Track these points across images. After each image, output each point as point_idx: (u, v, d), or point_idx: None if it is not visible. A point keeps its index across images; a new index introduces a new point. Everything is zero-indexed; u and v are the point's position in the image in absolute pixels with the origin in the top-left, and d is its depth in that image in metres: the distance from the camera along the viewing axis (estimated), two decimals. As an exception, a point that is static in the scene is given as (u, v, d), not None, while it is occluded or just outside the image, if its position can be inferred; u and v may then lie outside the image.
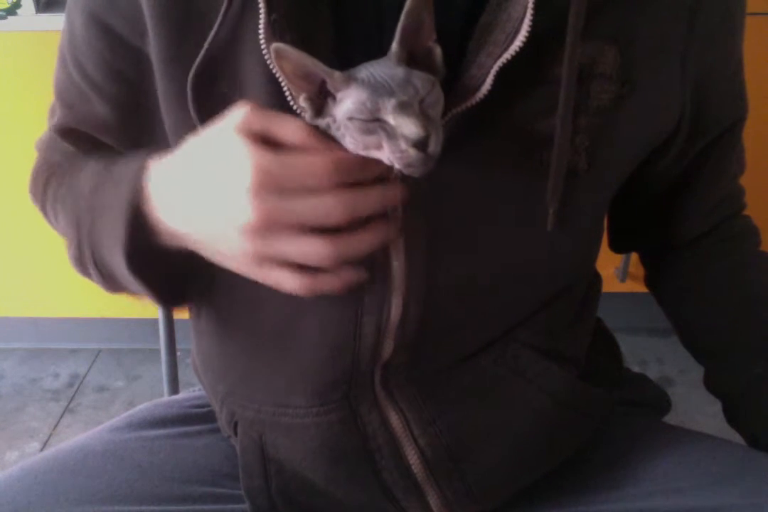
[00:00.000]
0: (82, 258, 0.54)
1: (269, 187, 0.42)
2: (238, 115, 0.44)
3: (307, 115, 0.45)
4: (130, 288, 0.55)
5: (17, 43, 1.37)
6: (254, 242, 0.44)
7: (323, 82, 0.44)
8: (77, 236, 0.54)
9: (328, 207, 0.43)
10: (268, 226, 0.43)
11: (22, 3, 1.35)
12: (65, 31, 0.57)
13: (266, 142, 0.43)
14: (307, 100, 0.44)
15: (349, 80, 0.43)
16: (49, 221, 0.63)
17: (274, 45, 0.41)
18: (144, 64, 0.53)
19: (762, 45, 1.35)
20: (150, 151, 0.50)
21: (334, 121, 0.44)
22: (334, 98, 0.44)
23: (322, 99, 0.44)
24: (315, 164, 0.43)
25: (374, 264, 0.51)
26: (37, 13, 1.35)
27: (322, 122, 0.45)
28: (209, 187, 0.45)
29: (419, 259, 0.52)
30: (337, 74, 0.43)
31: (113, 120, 0.57)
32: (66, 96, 0.59)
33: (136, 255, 0.50)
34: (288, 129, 0.43)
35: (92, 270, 0.55)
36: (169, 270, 0.54)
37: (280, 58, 0.42)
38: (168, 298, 0.58)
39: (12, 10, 1.36)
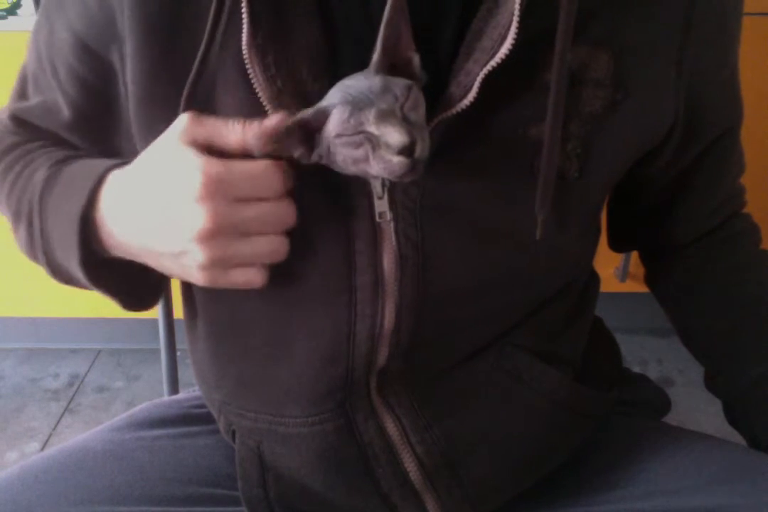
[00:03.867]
0: (32, 248, 0.55)
1: (218, 192, 0.43)
2: (179, 124, 0.45)
3: (302, 156, 0.45)
4: (83, 286, 0.55)
5: (17, 43, 1.36)
6: (208, 247, 0.44)
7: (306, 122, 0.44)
8: (28, 229, 0.54)
9: (281, 214, 0.46)
10: (220, 230, 0.44)
11: (22, 3, 1.35)
12: (43, 29, 0.56)
13: (211, 150, 0.44)
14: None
15: (327, 106, 0.43)
16: None
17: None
18: (114, 79, 0.53)
19: (762, 45, 1.35)
20: (110, 161, 0.51)
21: (323, 146, 0.44)
22: (319, 131, 0.44)
23: (308, 136, 0.44)
24: (261, 171, 0.44)
25: (365, 273, 0.52)
26: (37, 13, 1.35)
27: (315, 156, 0.45)
28: (159, 197, 0.45)
29: (411, 266, 0.52)
30: (310, 112, 0.43)
31: (74, 124, 0.57)
32: (41, 89, 0.59)
33: (91, 263, 0.50)
34: (227, 135, 0.44)
35: (42, 262, 0.55)
36: (128, 278, 0.54)
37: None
38: (131, 301, 0.57)
39: (12, 10, 1.36)
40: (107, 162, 0.51)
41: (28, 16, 1.36)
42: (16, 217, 0.56)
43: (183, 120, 0.45)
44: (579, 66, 0.49)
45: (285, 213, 0.46)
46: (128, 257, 0.50)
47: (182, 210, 0.44)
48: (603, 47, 0.49)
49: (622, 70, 0.50)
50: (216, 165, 0.43)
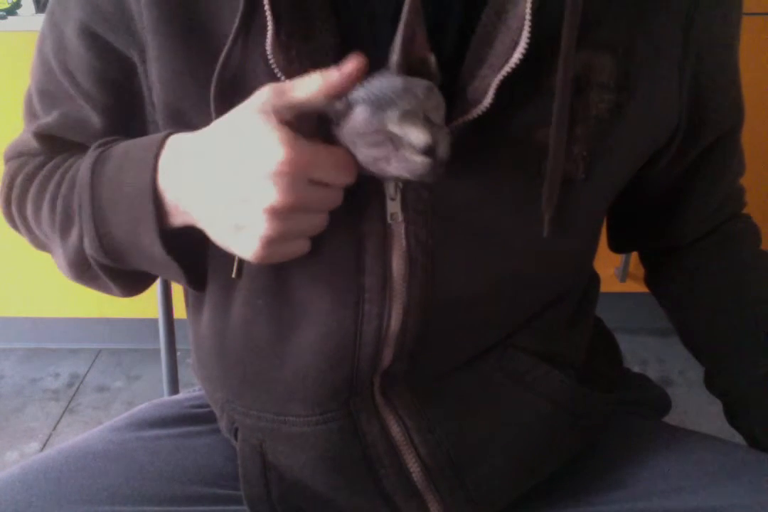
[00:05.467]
0: (82, 254, 0.53)
1: (300, 171, 0.42)
2: (261, 95, 0.44)
3: None
4: (143, 275, 0.55)
5: (17, 43, 1.37)
6: (275, 222, 0.44)
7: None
8: (78, 224, 0.52)
9: (337, 197, 0.46)
10: (289, 208, 0.43)
11: (22, 3, 1.35)
12: (49, 38, 0.55)
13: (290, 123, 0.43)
14: None
15: (350, 103, 0.43)
16: (25, 230, 0.61)
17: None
18: (134, 72, 0.53)
19: (762, 45, 1.36)
20: (167, 131, 0.50)
21: (342, 144, 0.44)
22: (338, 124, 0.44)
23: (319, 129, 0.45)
24: (344, 160, 0.44)
25: (374, 274, 0.52)
26: (37, 13, 1.35)
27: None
28: (234, 166, 0.44)
29: (420, 269, 0.52)
30: (336, 103, 0.43)
31: (105, 128, 0.56)
32: (55, 103, 0.58)
33: (166, 233, 0.49)
34: (308, 90, 0.43)
35: (96, 261, 0.53)
36: (194, 249, 0.53)
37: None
38: (197, 278, 0.56)
39: (12, 10, 1.36)
40: (162, 132, 0.50)
41: (28, 16, 1.36)
42: (65, 222, 0.53)
43: (264, 91, 0.44)
44: (584, 69, 0.49)
45: (339, 196, 0.46)
46: (188, 223, 0.49)
47: (257, 183, 0.43)
48: (607, 51, 0.49)
49: (627, 74, 0.50)
50: (303, 145, 0.42)
